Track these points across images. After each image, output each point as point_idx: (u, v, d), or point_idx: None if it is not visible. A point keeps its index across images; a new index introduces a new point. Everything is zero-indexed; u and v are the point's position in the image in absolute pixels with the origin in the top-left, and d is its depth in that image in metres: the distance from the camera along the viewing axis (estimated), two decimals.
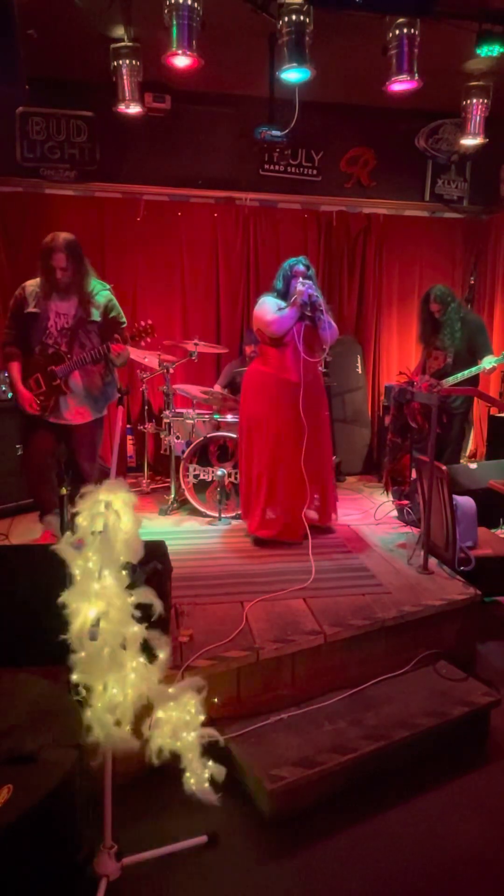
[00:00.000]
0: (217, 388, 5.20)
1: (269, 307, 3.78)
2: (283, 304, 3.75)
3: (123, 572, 1.81)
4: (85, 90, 5.15)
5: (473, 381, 4.45)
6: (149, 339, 3.62)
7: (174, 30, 3.67)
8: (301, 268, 3.83)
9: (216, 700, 2.47)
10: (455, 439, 4.63)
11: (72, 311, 3.52)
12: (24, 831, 1.60)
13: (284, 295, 3.80)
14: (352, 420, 5.94)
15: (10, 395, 4.39)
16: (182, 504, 4.70)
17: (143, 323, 3.56)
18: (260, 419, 3.84)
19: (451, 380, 4.37)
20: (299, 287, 3.70)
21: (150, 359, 4.88)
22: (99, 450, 3.94)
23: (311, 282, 3.75)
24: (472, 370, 4.29)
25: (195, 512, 4.51)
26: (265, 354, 3.88)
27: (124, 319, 3.75)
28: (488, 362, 4.27)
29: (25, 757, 1.75)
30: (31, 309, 3.45)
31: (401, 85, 4.04)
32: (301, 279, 3.75)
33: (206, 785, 1.97)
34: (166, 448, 4.92)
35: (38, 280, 3.53)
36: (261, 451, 3.82)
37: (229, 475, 4.39)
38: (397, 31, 3.88)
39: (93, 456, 3.79)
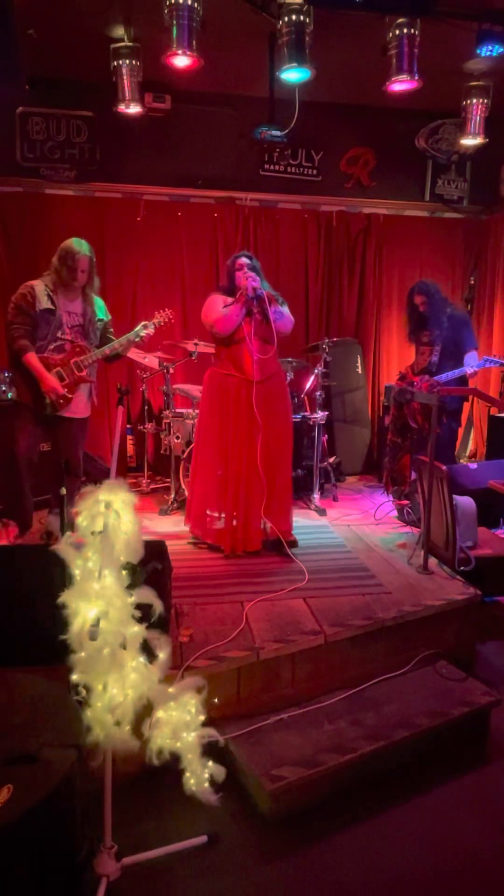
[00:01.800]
0: None
1: (213, 306, 3.63)
2: (230, 300, 3.60)
3: (123, 572, 1.81)
4: (85, 90, 5.15)
5: (462, 377, 4.44)
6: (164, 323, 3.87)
7: (174, 30, 3.67)
8: (244, 260, 3.69)
9: (216, 700, 2.47)
10: (447, 437, 4.59)
11: (79, 310, 3.58)
12: (24, 831, 1.59)
13: (230, 291, 3.66)
14: (352, 420, 5.95)
15: (9, 394, 4.39)
16: (182, 504, 4.69)
17: (165, 311, 3.88)
18: (212, 420, 3.69)
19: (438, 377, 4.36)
20: (243, 281, 3.55)
21: (149, 359, 4.88)
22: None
23: (254, 273, 3.60)
24: (456, 373, 4.28)
25: None
26: (218, 354, 3.77)
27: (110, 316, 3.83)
28: (469, 367, 4.26)
29: (25, 757, 1.75)
30: (46, 306, 3.46)
31: (401, 85, 4.04)
32: (245, 271, 3.60)
33: (206, 785, 1.97)
34: (166, 448, 4.92)
35: (44, 279, 3.53)
36: (212, 453, 3.70)
37: None
38: (397, 31, 3.88)
39: (81, 449, 3.82)
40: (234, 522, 3.67)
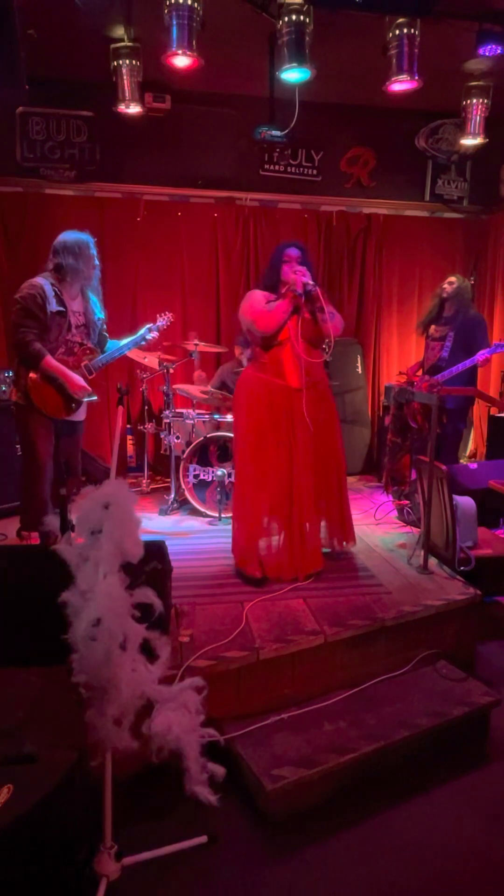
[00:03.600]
0: (197, 375, 5.21)
1: (254, 302, 3.26)
2: (272, 297, 3.26)
3: (123, 572, 1.81)
4: (85, 90, 5.15)
5: (471, 377, 4.43)
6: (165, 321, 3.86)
7: (174, 30, 3.67)
8: (294, 251, 3.29)
9: (216, 700, 2.47)
10: (451, 438, 4.61)
11: (81, 308, 3.53)
12: (24, 831, 1.60)
13: (274, 286, 3.30)
14: (352, 420, 5.95)
15: (10, 395, 4.38)
16: (182, 504, 4.70)
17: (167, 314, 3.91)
18: (257, 434, 3.27)
19: (444, 373, 4.37)
20: (291, 275, 3.21)
21: (149, 359, 4.88)
22: None
23: (305, 268, 3.24)
24: (467, 363, 4.28)
25: (195, 512, 4.51)
26: (258, 357, 3.34)
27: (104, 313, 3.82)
28: (481, 355, 4.26)
29: (25, 757, 1.75)
30: (57, 308, 3.36)
31: (401, 85, 4.04)
32: (293, 265, 3.25)
33: (206, 785, 1.97)
34: (166, 448, 4.92)
35: (47, 278, 3.41)
36: (262, 470, 3.25)
37: (229, 475, 4.39)
38: (397, 31, 3.88)
39: (80, 450, 3.80)
40: (294, 543, 3.28)
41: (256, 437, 3.27)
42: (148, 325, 3.71)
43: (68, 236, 3.42)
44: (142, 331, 3.68)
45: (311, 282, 3.18)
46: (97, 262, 3.49)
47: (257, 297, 3.28)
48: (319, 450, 3.31)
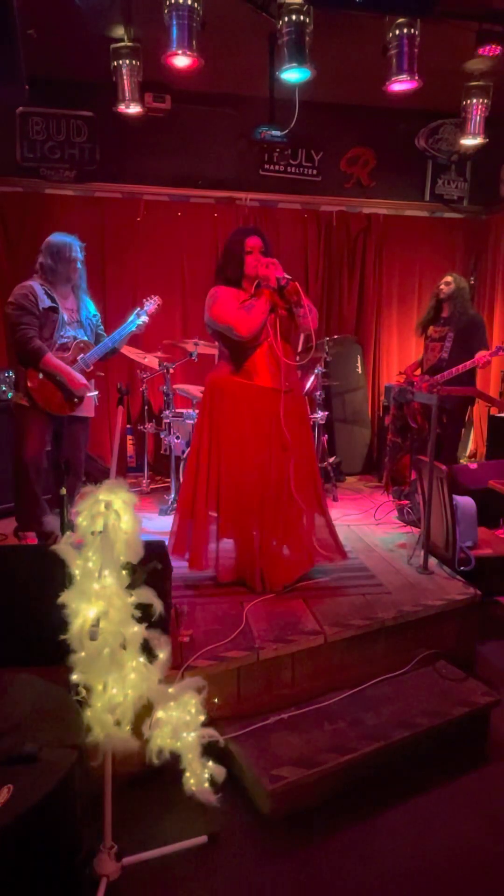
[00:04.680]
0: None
1: (227, 302, 2.99)
2: (241, 294, 3.04)
3: (123, 572, 1.81)
4: (85, 90, 5.15)
5: (470, 378, 4.44)
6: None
7: (174, 30, 3.66)
8: (256, 240, 3.01)
9: (216, 700, 2.47)
10: (451, 438, 4.61)
11: (74, 306, 3.55)
12: (24, 831, 1.59)
13: (238, 281, 3.05)
14: (352, 420, 5.95)
15: (10, 394, 4.38)
16: None
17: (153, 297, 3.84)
18: (235, 440, 3.08)
19: (444, 374, 4.37)
20: (263, 269, 2.95)
21: (149, 359, 4.88)
22: None
23: (275, 260, 3.00)
24: (466, 364, 4.28)
25: None
26: (232, 359, 3.11)
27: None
28: (481, 356, 4.27)
29: (25, 757, 1.75)
30: (48, 304, 3.40)
31: (401, 85, 4.03)
32: (257, 255, 3.00)
33: (206, 785, 1.97)
34: (166, 448, 4.92)
35: (36, 279, 3.45)
36: (240, 478, 3.09)
37: None
38: (397, 31, 3.87)
39: (84, 450, 3.81)
40: (272, 548, 3.19)
41: (233, 443, 3.08)
42: (136, 310, 3.70)
43: (53, 238, 3.47)
44: (131, 316, 3.67)
45: (286, 275, 2.95)
46: (80, 265, 3.50)
47: (227, 296, 3.02)
48: (298, 455, 3.15)
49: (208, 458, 3.13)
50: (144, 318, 3.69)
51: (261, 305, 2.99)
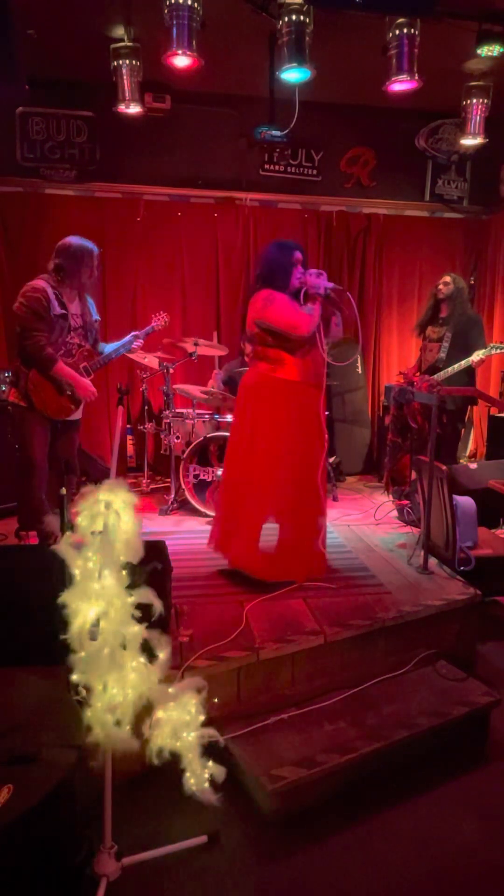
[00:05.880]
0: (213, 382, 5.20)
1: (288, 305, 3.19)
2: (293, 300, 3.24)
3: (123, 572, 1.81)
4: (85, 90, 5.16)
5: (469, 376, 4.43)
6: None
7: (174, 30, 3.67)
8: (301, 255, 3.30)
9: (216, 700, 2.47)
10: (450, 438, 4.61)
11: (78, 311, 3.54)
12: (24, 831, 1.60)
13: (284, 290, 3.26)
14: (352, 420, 5.95)
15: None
16: (182, 504, 4.70)
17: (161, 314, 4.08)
18: (283, 439, 3.23)
19: (441, 374, 4.37)
20: (311, 279, 3.20)
21: (149, 359, 4.88)
22: None
23: (323, 271, 3.28)
24: (463, 363, 4.29)
25: (195, 512, 4.50)
26: (280, 360, 3.24)
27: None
28: (477, 355, 4.27)
29: (25, 757, 1.75)
30: (59, 311, 3.38)
31: (401, 85, 4.04)
32: (309, 269, 3.28)
33: (206, 785, 1.97)
34: (166, 448, 4.93)
35: (47, 280, 3.41)
36: (283, 477, 3.25)
37: None
38: (397, 31, 3.88)
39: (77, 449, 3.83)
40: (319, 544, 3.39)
41: (289, 439, 3.24)
42: (133, 333, 3.75)
43: (73, 240, 3.44)
44: (127, 338, 3.72)
45: (337, 286, 3.24)
46: (96, 272, 3.52)
47: (285, 299, 3.21)
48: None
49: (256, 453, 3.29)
50: (140, 343, 3.75)
51: (317, 309, 3.23)
